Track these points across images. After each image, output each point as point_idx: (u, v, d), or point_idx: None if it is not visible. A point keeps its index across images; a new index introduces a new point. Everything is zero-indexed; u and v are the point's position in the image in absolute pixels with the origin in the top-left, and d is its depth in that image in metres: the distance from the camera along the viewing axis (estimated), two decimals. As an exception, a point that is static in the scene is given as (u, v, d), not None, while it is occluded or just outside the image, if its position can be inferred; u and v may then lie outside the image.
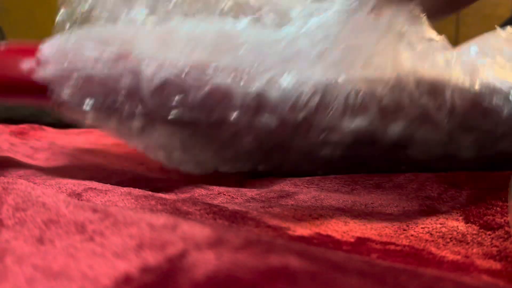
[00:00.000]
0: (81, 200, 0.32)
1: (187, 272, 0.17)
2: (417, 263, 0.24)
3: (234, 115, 0.36)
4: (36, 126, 0.73)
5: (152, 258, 0.18)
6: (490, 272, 0.23)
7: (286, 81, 0.35)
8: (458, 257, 0.25)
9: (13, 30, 0.84)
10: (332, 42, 0.36)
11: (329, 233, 0.28)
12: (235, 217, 0.29)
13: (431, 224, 0.30)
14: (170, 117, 0.37)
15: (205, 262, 0.18)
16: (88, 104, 0.37)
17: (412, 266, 0.22)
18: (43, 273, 0.18)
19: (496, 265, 0.24)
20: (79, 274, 0.18)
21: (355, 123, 0.36)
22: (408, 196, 0.35)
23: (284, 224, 0.29)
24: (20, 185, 0.26)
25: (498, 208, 0.31)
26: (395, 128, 0.37)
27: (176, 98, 0.36)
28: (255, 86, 0.35)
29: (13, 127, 0.69)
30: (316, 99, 0.35)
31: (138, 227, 0.20)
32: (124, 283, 0.17)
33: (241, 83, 0.35)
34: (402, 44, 0.36)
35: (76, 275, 0.18)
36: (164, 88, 0.36)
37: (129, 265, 0.18)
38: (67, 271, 0.18)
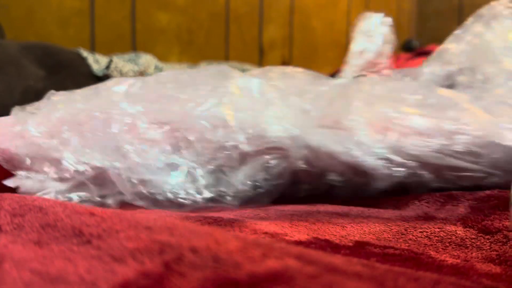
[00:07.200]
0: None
1: (185, 276, 0.17)
2: (416, 267, 0.24)
3: None
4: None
5: (149, 261, 0.18)
6: (489, 276, 0.23)
7: None
8: (458, 261, 0.25)
9: (12, 27, 0.84)
10: None
11: (327, 237, 0.28)
12: (231, 226, 0.29)
13: (429, 228, 0.29)
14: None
15: (203, 265, 0.18)
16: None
17: (412, 270, 0.22)
18: (41, 278, 0.18)
19: (495, 269, 0.24)
20: (77, 279, 0.18)
21: None
22: (405, 209, 0.35)
23: (281, 230, 0.29)
24: (15, 189, 0.26)
25: (496, 216, 0.31)
26: None
27: None
28: None
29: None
30: None
31: (135, 230, 0.20)
32: (122, 287, 0.17)
33: None
34: None
35: (74, 279, 0.18)
36: None
37: (127, 269, 0.18)
38: (64, 275, 0.18)
